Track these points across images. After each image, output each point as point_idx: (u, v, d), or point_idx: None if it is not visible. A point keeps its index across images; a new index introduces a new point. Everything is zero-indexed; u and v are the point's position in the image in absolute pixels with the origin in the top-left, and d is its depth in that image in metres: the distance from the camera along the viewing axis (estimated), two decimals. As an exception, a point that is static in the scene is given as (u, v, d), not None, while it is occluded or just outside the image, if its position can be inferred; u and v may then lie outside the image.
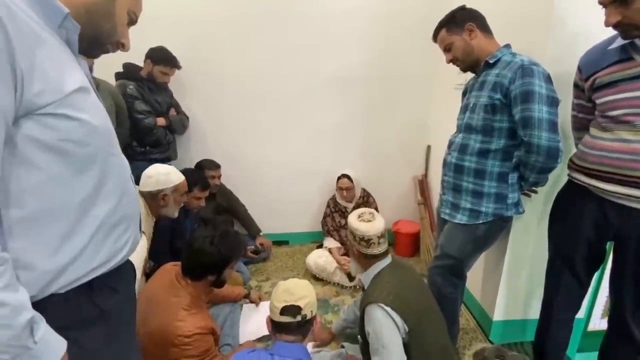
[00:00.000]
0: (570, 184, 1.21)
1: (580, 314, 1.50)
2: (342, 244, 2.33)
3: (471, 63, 1.31)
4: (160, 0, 2.08)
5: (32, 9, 0.52)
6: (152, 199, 1.46)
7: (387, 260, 1.25)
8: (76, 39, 0.59)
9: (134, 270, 0.75)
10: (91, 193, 0.59)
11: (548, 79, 1.14)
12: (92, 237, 0.60)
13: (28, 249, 0.53)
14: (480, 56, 1.28)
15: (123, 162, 0.68)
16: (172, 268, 1.36)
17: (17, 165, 0.51)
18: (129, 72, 2.02)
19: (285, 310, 1.05)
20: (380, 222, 1.22)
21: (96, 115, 0.59)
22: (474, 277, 1.79)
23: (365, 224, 1.20)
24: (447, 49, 1.31)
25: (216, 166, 2.27)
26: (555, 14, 1.27)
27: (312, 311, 1.09)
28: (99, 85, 1.68)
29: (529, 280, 1.62)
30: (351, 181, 2.32)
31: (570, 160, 1.20)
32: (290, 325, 1.05)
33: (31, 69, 0.49)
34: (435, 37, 1.34)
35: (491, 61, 1.24)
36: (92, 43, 0.64)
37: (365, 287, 1.24)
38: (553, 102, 1.13)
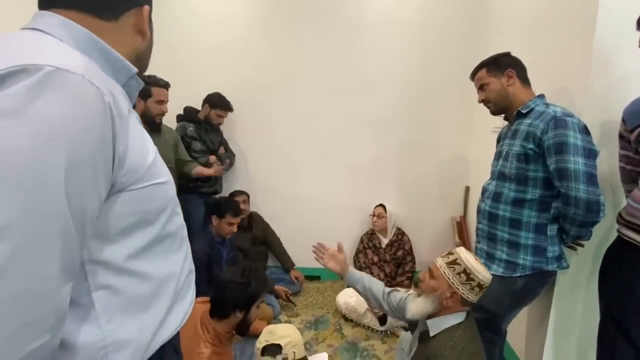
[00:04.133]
0: (620, 240, 1.12)
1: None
2: (374, 283, 2.29)
3: (502, 107, 1.31)
4: (214, 50, 2.41)
5: (105, 71, 0.50)
6: None
7: (464, 313, 1.12)
8: (136, 94, 0.59)
9: None
10: (166, 257, 0.59)
11: (584, 130, 1.11)
12: (172, 302, 0.60)
13: (121, 329, 0.53)
14: (513, 103, 1.28)
15: (181, 220, 0.66)
16: (198, 308, 1.28)
17: (108, 245, 0.50)
18: (189, 115, 2.29)
19: (265, 350, 1.01)
20: None
21: (166, 173, 0.58)
22: (517, 333, 1.64)
23: (486, 269, 1.08)
24: (481, 88, 1.33)
25: (240, 193, 2.45)
26: (594, 59, 1.23)
27: (295, 352, 1.03)
28: (162, 130, 1.93)
29: (580, 343, 1.45)
30: (385, 211, 2.34)
31: (619, 214, 1.12)
32: None
33: (125, 150, 0.47)
34: (473, 75, 1.36)
35: (524, 111, 1.24)
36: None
37: (431, 334, 1.10)
38: (590, 154, 1.09)
